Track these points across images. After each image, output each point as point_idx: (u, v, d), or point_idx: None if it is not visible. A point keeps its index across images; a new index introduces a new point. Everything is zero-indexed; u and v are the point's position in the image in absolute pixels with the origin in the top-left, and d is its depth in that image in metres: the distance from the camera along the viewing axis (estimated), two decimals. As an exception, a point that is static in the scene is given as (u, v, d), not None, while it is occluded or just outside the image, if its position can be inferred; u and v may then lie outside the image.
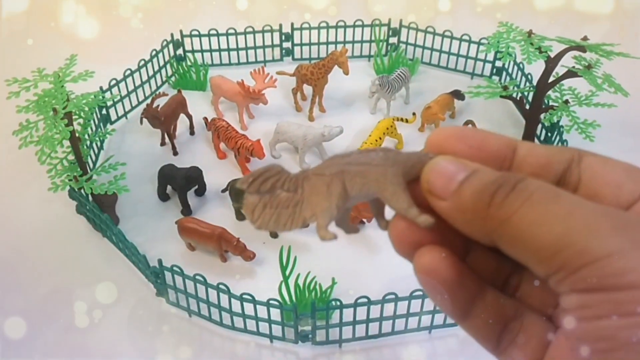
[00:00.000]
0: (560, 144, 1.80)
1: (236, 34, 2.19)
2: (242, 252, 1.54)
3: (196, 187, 1.75)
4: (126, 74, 2.00)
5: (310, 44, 2.26)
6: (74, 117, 1.55)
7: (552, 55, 1.68)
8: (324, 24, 2.21)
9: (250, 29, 2.18)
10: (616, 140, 1.90)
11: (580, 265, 0.31)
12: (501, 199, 0.34)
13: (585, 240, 0.31)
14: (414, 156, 0.40)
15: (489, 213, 0.35)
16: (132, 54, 2.03)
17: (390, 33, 2.25)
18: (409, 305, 1.38)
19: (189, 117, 1.97)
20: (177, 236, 1.60)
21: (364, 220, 1.66)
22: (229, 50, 2.24)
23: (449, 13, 2.23)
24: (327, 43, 2.25)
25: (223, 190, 1.72)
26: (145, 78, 2.08)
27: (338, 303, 1.36)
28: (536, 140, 1.93)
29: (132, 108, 2.07)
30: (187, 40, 2.18)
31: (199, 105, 2.06)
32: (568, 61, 1.69)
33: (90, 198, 1.64)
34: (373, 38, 2.25)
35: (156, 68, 2.12)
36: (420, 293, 1.35)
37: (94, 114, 1.88)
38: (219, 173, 1.82)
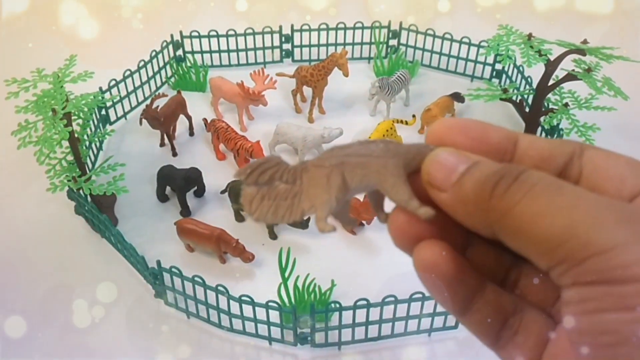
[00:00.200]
0: (560, 146, 1.80)
1: (236, 35, 2.19)
2: (241, 254, 1.54)
3: (195, 188, 1.75)
4: (126, 74, 2.00)
5: (310, 46, 2.26)
6: (73, 117, 1.54)
7: (552, 58, 1.68)
8: (324, 26, 2.21)
9: (250, 31, 2.18)
10: (616, 143, 1.90)
11: (583, 257, 0.31)
12: (503, 190, 0.34)
13: (589, 232, 0.31)
14: (415, 148, 0.39)
15: (490, 204, 0.34)
16: (132, 55, 2.03)
17: (390, 35, 2.25)
18: (408, 307, 1.37)
19: (189, 118, 1.97)
20: (176, 237, 1.60)
21: (364, 222, 1.65)
22: (228, 51, 2.24)
23: (449, 15, 2.24)
24: (327, 45, 2.25)
25: (222, 192, 1.72)
26: (144, 79, 2.08)
27: (337, 305, 1.35)
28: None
29: (132, 109, 2.07)
30: (186, 42, 2.18)
31: (198, 106, 2.06)
32: (568, 64, 1.70)
33: (89, 199, 1.63)
34: (373, 40, 2.25)
35: (156, 69, 2.11)
36: (420, 296, 1.35)
37: (93, 115, 1.87)
38: (218, 174, 1.82)
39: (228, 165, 1.88)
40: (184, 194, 1.70)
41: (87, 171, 1.63)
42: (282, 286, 1.41)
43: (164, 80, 2.17)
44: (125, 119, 2.05)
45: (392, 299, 1.35)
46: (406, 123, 1.91)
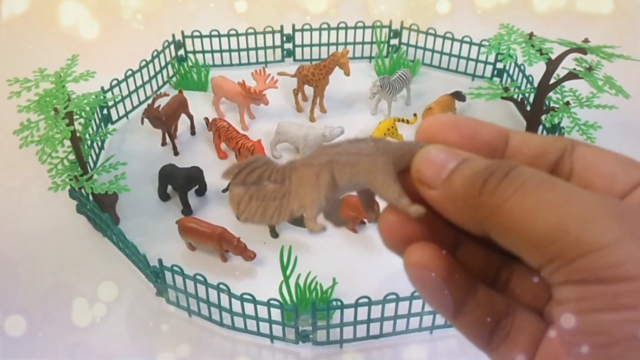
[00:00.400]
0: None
1: (237, 35, 2.19)
2: (243, 252, 1.54)
3: (197, 187, 1.75)
4: (127, 74, 2.00)
5: (311, 45, 2.26)
6: (75, 116, 1.55)
7: (553, 57, 1.68)
8: (325, 26, 2.21)
9: (251, 30, 2.19)
10: (617, 141, 1.90)
11: (575, 255, 0.30)
12: (493, 186, 0.33)
13: (581, 229, 0.30)
14: (405, 146, 0.39)
15: (480, 201, 0.34)
16: (134, 55, 2.04)
17: (392, 34, 2.26)
18: (410, 305, 1.37)
19: (190, 117, 1.97)
20: (177, 236, 1.60)
21: (365, 220, 1.66)
22: (230, 51, 2.24)
23: (449, 15, 2.24)
24: (329, 44, 2.25)
25: (224, 190, 1.72)
26: (146, 78, 2.08)
27: (339, 303, 1.35)
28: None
29: (133, 108, 2.07)
30: (188, 41, 2.19)
31: (200, 105, 2.06)
32: (569, 63, 1.70)
33: (90, 198, 1.64)
34: (374, 39, 2.26)
35: (157, 68, 2.12)
36: (421, 293, 1.35)
37: (95, 114, 1.88)
38: (220, 173, 1.78)
39: (229, 164, 1.88)
40: (185, 192, 1.70)
41: (89, 170, 1.63)
42: (284, 284, 1.41)
43: (165, 79, 2.17)
44: (127, 118, 2.05)
45: (394, 296, 1.35)
46: (407, 122, 1.91)
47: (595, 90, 1.65)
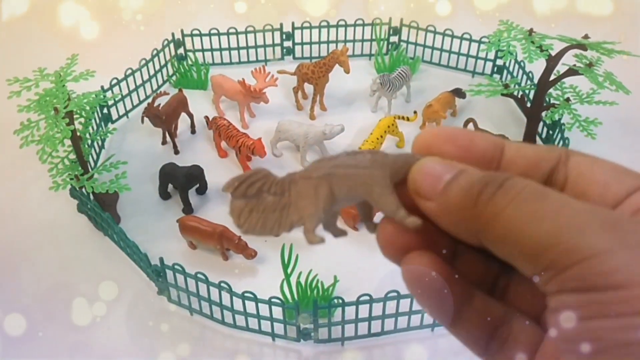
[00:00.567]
0: (561, 141, 1.80)
1: (237, 33, 2.19)
2: (244, 250, 1.54)
3: (197, 185, 1.75)
4: (127, 73, 2.00)
5: (311, 43, 2.26)
6: (75, 116, 1.55)
7: (553, 53, 1.68)
8: (324, 24, 2.21)
9: (251, 28, 2.19)
10: (617, 137, 1.91)
11: (568, 264, 0.31)
12: (488, 197, 0.34)
13: (574, 238, 0.31)
14: (401, 158, 0.40)
15: (475, 212, 0.35)
16: (133, 54, 2.04)
17: (391, 32, 2.25)
18: (411, 302, 1.37)
19: (190, 116, 1.97)
20: (178, 235, 1.60)
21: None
22: (230, 49, 2.24)
23: (449, 16, 2.23)
24: (328, 42, 2.25)
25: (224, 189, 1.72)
26: (146, 77, 2.08)
27: (340, 301, 1.35)
28: (538, 138, 1.93)
29: (133, 107, 2.07)
30: (188, 40, 2.19)
31: (200, 104, 2.06)
32: (569, 59, 1.69)
33: (91, 197, 1.64)
34: (374, 37, 2.25)
35: (157, 67, 2.12)
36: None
37: (95, 113, 1.88)
38: (220, 171, 1.82)
39: (230, 162, 1.88)
40: (186, 191, 1.70)
41: (90, 169, 1.63)
42: (285, 282, 1.41)
43: (165, 78, 2.17)
44: (127, 117, 2.05)
45: (395, 294, 1.35)
46: (407, 119, 1.91)
47: (595, 87, 1.65)
